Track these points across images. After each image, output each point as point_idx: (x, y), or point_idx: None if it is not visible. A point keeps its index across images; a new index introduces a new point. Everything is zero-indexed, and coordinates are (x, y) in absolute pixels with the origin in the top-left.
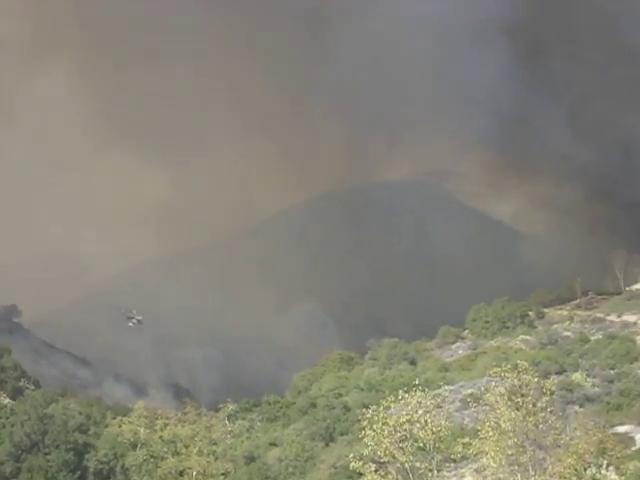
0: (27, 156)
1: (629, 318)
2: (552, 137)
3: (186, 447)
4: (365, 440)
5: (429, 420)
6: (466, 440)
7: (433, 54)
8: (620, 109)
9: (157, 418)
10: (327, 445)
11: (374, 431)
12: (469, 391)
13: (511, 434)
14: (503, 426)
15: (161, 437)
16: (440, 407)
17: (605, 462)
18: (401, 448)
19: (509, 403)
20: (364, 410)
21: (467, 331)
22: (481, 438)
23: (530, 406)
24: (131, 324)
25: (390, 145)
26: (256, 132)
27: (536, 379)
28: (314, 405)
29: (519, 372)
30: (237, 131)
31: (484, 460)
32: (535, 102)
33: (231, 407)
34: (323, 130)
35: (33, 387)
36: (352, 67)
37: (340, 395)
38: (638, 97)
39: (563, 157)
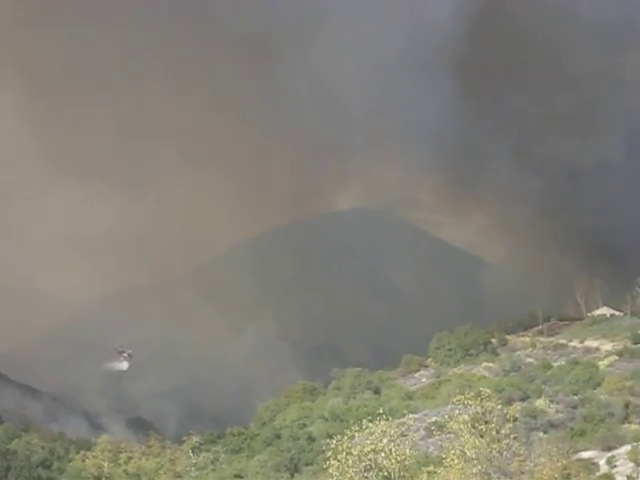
0: None
1: (591, 344)
2: (501, 167)
3: None
4: (330, 470)
5: (394, 449)
6: (431, 468)
7: (381, 84)
8: (566, 138)
9: (121, 452)
10: (292, 476)
11: (339, 461)
12: (433, 419)
13: (476, 461)
14: (468, 454)
15: (125, 471)
16: (404, 436)
17: None
18: (366, 477)
19: (473, 430)
20: (329, 440)
21: (430, 359)
22: (446, 466)
23: (494, 433)
24: (122, 358)
25: (341, 174)
26: (204, 165)
27: (499, 406)
28: (278, 436)
29: (482, 399)
30: (185, 164)
31: None
32: (482, 133)
33: (195, 439)
34: (274, 161)
35: None
36: (299, 98)
37: (304, 425)
38: (583, 125)
39: (515, 186)
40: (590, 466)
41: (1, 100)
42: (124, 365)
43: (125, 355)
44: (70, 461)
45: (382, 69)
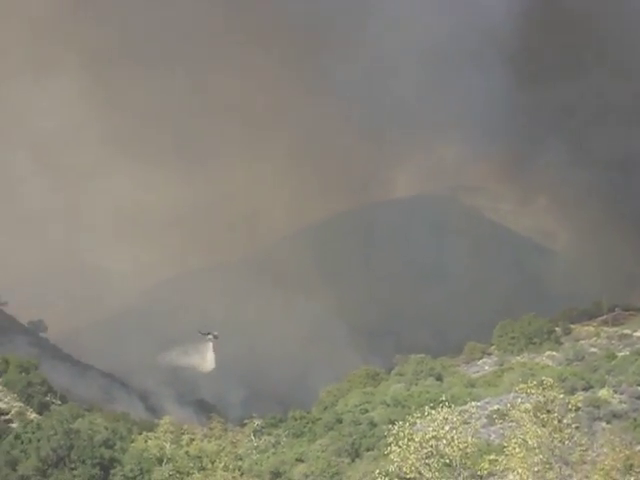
0: (36, 167)
1: None
2: (557, 154)
3: (212, 462)
4: (391, 456)
5: (455, 436)
6: (492, 456)
7: (431, 71)
8: (622, 127)
9: (183, 433)
10: (353, 461)
11: (400, 447)
12: (495, 407)
13: (537, 451)
14: (529, 442)
15: (187, 452)
16: (467, 423)
17: (632, 479)
18: (427, 464)
19: (535, 419)
20: (390, 426)
21: (493, 347)
22: (507, 454)
23: (556, 422)
24: (208, 339)
25: (398, 161)
26: (263, 149)
27: (562, 395)
28: (340, 421)
29: (544, 388)
30: (247, 145)
31: (510, 477)
32: (536, 121)
33: (257, 422)
34: (331, 147)
35: (60, 402)
36: (349, 83)
37: (366, 411)
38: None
39: (571, 175)
40: None
41: (66, 82)
42: (209, 363)
43: (210, 337)
44: (132, 442)
45: (432, 55)
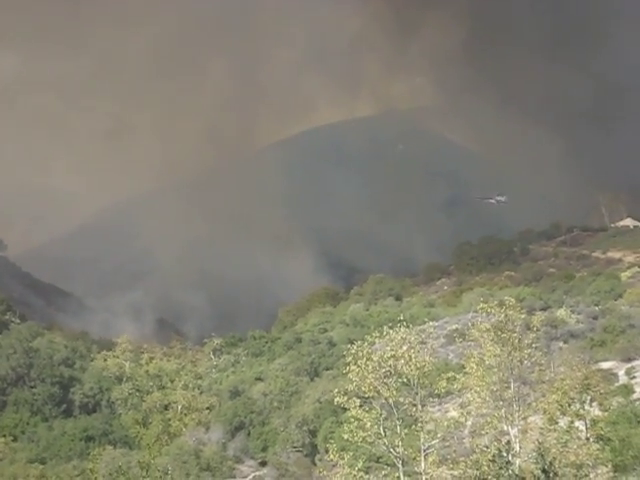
0: None
1: (614, 255)
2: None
3: (171, 381)
4: (350, 375)
5: (413, 356)
6: (450, 375)
7: None
8: None
9: (142, 352)
10: (312, 380)
11: (359, 366)
12: (454, 327)
13: (496, 370)
14: (488, 362)
15: (147, 371)
16: (424, 343)
17: (589, 398)
18: (385, 383)
19: (494, 339)
20: (349, 345)
21: (452, 267)
22: (466, 373)
23: (516, 342)
24: (493, 201)
25: None
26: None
27: (523, 315)
28: (299, 340)
29: (506, 308)
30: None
31: (468, 395)
32: None
33: (216, 341)
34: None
35: (19, 321)
36: None
37: (325, 330)
38: None
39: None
40: (609, 376)
41: None
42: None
43: (493, 201)
44: (92, 360)
45: None
